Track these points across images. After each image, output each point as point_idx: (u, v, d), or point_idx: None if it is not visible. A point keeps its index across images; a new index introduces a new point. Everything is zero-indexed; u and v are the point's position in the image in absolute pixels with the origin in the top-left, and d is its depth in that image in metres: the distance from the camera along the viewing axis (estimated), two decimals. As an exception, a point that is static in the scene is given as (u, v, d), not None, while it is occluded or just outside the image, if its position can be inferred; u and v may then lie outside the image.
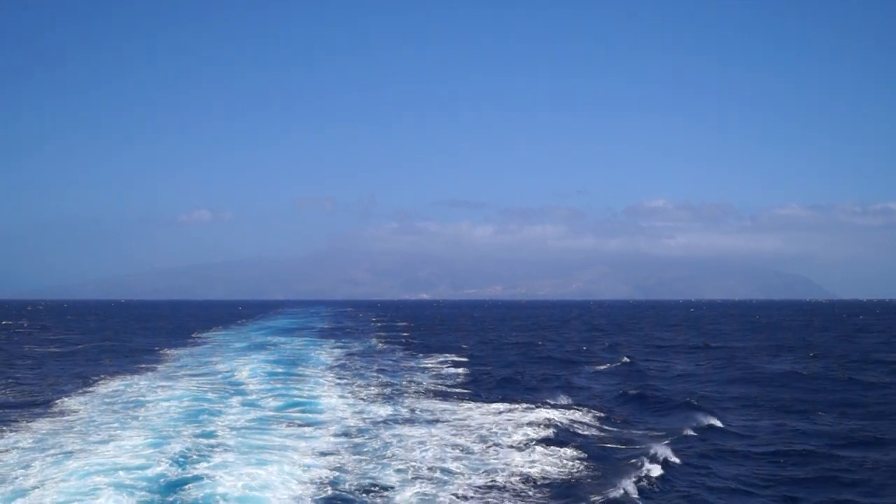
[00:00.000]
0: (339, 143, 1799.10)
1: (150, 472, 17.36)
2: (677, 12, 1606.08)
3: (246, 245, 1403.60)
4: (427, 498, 16.16)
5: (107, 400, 29.56)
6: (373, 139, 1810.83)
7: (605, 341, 66.59)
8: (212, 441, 21.02)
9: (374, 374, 40.11)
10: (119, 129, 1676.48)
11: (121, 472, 17.03)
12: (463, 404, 28.82)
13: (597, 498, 16.27)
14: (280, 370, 40.24)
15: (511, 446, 21.07)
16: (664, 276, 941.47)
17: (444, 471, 18.32)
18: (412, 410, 27.38)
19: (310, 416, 26.15)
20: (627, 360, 46.05)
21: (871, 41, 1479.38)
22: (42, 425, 24.03)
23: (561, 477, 18.02)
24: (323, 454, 20.01)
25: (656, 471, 18.28)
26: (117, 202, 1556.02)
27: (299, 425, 24.20)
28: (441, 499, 16.06)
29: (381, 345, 62.65)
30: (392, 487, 16.86)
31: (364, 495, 16.31)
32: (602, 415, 26.92)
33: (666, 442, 21.68)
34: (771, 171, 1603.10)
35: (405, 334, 79.66)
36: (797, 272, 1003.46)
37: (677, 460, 19.67)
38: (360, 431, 23.35)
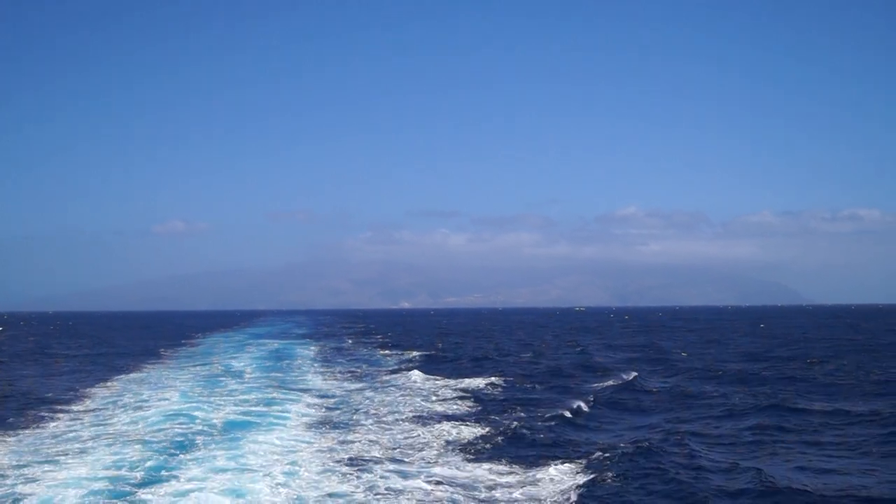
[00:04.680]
0: (312, 156, 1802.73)
1: (181, 424, 26.32)
2: (644, 19, 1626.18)
3: (222, 256, 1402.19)
4: (384, 427, 25.06)
5: (129, 386, 38.43)
6: (344, 151, 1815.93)
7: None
8: (223, 405, 29.95)
9: (347, 362, 49.40)
10: (92, 141, 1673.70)
11: (157, 429, 25.17)
12: (413, 383, 37.79)
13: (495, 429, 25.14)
14: (269, 362, 49.26)
15: (440, 400, 30.11)
16: (642, 283, 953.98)
17: (396, 413, 27.42)
18: (373, 380, 36.82)
19: (297, 386, 35.32)
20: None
21: (840, 48, 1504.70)
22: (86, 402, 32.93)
23: (472, 416, 26.94)
24: (310, 406, 29.33)
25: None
26: (91, 214, 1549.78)
27: (291, 390, 33.65)
28: (392, 429, 24.81)
29: (352, 343, 71.89)
30: (362, 424, 25.85)
31: (345, 430, 24.84)
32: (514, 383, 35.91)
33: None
34: (740, 179, 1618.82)
35: (377, 336, 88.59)
36: (773, 278, 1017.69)
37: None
38: (336, 395, 32.84)
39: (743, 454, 20.16)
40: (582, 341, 71.77)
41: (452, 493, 16.80)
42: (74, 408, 29.48)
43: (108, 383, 38.24)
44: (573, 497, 16.12)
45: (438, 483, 17.50)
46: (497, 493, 16.87)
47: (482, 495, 16.70)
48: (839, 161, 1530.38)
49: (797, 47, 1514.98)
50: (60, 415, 27.76)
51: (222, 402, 29.54)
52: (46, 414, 27.87)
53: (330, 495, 16.37)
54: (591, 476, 17.57)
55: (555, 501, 16.18)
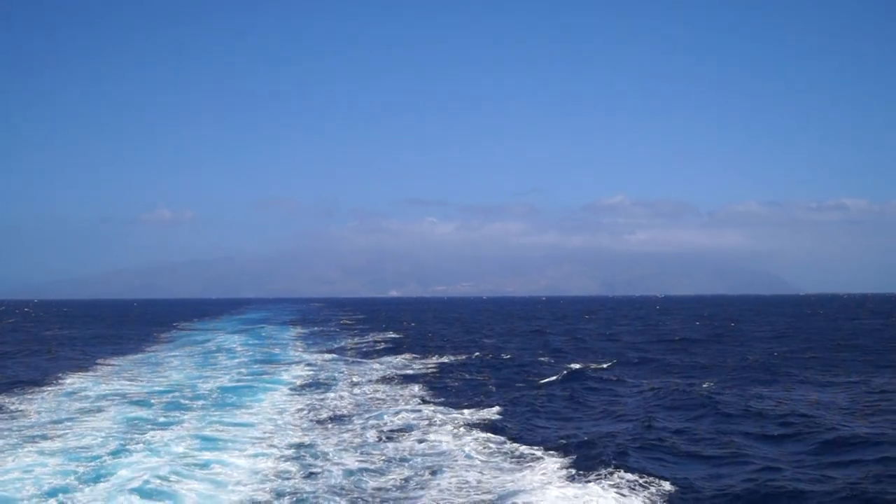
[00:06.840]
0: (297, 145, 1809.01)
1: (185, 390, 29.83)
2: (631, 11, 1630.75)
3: (209, 245, 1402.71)
4: (358, 392, 28.61)
5: (126, 363, 41.90)
6: (330, 140, 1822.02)
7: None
8: (216, 375, 33.50)
9: (329, 341, 53.28)
10: (80, 130, 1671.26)
11: (159, 393, 29.13)
12: (384, 357, 41.45)
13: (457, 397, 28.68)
14: (257, 341, 52.98)
15: (410, 370, 33.84)
16: (632, 272, 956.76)
17: (368, 378, 31.15)
18: (351, 356, 40.75)
19: (283, 360, 39.12)
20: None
21: (826, 40, 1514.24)
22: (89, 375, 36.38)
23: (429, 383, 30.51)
24: (294, 375, 33.02)
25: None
26: (78, 202, 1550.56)
27: (277, 363, 37.53)
28: (363, 388, 28.55)
29: (336, 327, 75.71)
30: (338, 388, 29.47)
31: (327, 392, 28.52)
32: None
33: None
34: (725, 168, 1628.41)
35: (361, 321, 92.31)
36: (762, 268, 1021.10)
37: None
38: (317, 366, 36.68)
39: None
40: (541, 327, 75.55)
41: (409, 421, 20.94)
42: (77, 381, 32.77)
43: (106, 361, 41.59)
44: (493, 421, 19.84)
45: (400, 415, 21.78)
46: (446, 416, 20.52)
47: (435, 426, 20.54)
48: (824, 151, 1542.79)
49: (783, 39, 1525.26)
50: (66, 385, 31.18)
51: (215, 374, 33.10)
52: (53, 388, 31.28)
53: (311, 439, 19.85)
54: (513, 410, 21.34)
55: (484, 423, 19.90)
